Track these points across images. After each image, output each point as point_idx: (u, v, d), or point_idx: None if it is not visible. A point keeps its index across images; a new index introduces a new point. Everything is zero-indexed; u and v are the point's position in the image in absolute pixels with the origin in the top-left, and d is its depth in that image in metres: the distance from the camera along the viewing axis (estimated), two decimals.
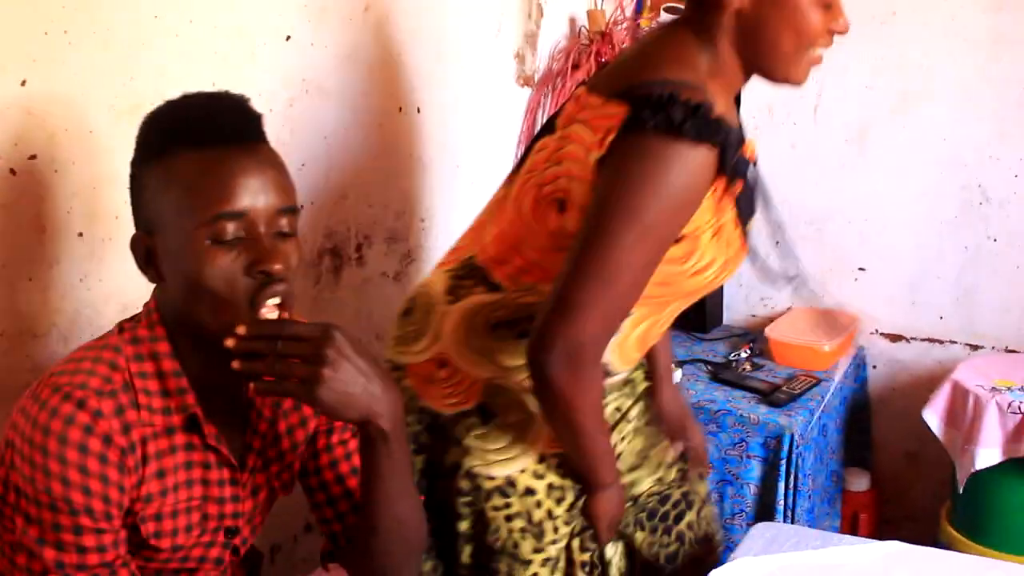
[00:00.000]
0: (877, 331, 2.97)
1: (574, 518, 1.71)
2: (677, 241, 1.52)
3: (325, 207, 2.21)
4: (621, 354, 1.65)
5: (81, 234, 1.66)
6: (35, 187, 1.60)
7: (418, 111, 2.44)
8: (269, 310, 1.26)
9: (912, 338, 2.94)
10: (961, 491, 2.56)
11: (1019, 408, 2.46)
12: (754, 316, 3.02)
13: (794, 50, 1.53)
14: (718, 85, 1.53)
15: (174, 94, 1.34)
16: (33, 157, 1.58)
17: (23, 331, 1.62)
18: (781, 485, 2.52)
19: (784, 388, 2.62)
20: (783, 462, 2.51)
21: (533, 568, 1.69)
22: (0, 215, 1.56)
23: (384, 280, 2.44)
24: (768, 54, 1.54)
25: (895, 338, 2.96)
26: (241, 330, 1.23)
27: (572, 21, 2.96)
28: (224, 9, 1.87)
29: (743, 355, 2.79)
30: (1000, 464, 2.49)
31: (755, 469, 2.56)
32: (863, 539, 1.79)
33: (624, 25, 2.92)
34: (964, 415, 2.55)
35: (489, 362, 1.64)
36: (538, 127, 2.82)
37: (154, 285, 1.34)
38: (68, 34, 1.60)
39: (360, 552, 1.44)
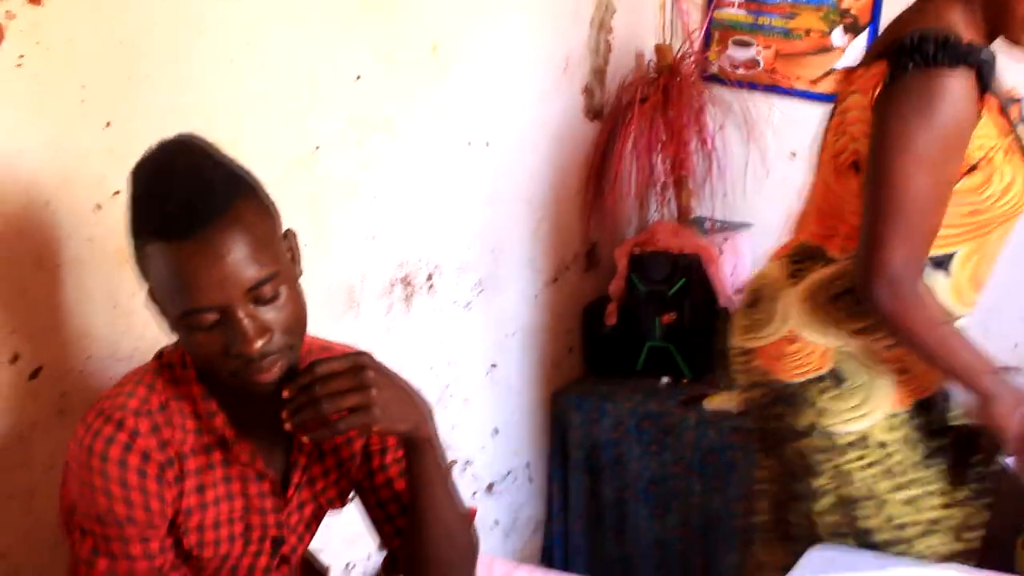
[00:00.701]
0: None
1: (931, 470, 1.85)
2: (972, 171, 1.69)
3: (397, 238, 2.30)
4: (957, 296, 1.82)
5: None
6: (119, 222, 1.71)
7: (487, 145, 2.53)
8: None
9: None
10: None
11: None
12: None
13: None
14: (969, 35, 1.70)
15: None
16: (116, 193, 1.69)
17: (108, 355, 1.74)
18: None
19: None
20: None
21: (891, 507, 1.84)
22: (87, 248, 1.68)
23: (455, 308, 2.52)
24: (1005, 16, 1.71)
25: None
26: (286, 394, 1.30)
27: (640, 56, 3.03)
28: (296, 53, 1.98)
29: None
30: None
31: None
32: (921, 562, 1.80)
33: (692, 59, 2.98)
34: None
35: (837, 331, 1.82)
36: (606, 160, 2.90)
37: None
38: (149, 79, 1.72)
39: (416, 562, 1.52)
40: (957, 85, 1.62)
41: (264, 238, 1.30)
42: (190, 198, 1.26)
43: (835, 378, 1.84)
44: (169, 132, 1.73)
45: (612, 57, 2.93)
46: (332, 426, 1.30)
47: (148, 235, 1.28)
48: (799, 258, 1.89)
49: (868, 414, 1.83)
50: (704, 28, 3.04)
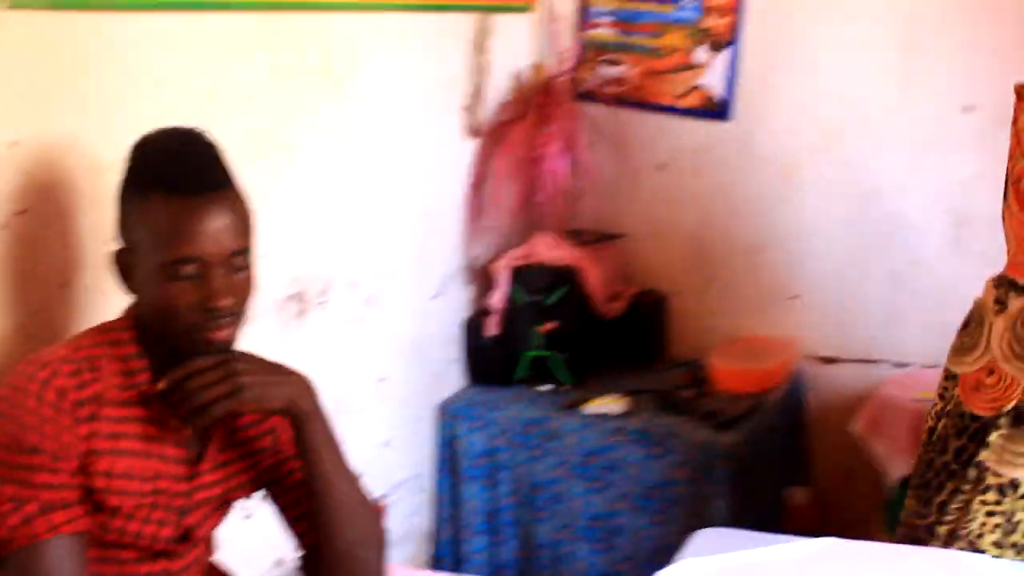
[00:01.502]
0: (812, 355, 3.14)
1: None
2: None
3: (289, 254, 2.34)
4: None
5: (67, 284, 1.79)
6: (25, 240, 1.73)
7: (373, 163, 2.60)
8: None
9: (845, 359, 3.12)
10: (890, 499, 2.72)
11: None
12: (698, 346, 3.18)
13: None
14: None
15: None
16: (23, 212, 1.71)
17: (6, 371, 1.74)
18: (725, 502, 2.67)
19: (726, 410, 2.77)
20: (726, 480, 2.67)
21: None
22: None
23: (345, 323, 2.57)
24: None
25: (829, 360, 3.14)
26: (161, 385, 1.45)
27: (516, 76, 3.14)
28: (195, 74, 2.02)
29: (687, 383, 2.94)
30: None
31: (701, 488, 2.71)
32: (801, 538, 1.92)
33: (565, 78, 3.11)
34: (889, 427, 2.71)
35: None
36: (486, 176, 3.00)
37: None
38: (54, 98, 1.74)
39: (323, 547, 1.59)
40: None
41: (248, 218, 1.53)
42: (206, 164, 1.50)
43: (1016, 417, 1.77)
44: (74, 149, 1.78)
45: (490, 77, 3.03)
46: (208, 412, 1.44)
47: (156, 189, 1.45)
48: (999, 284, 1.84)
49: None
50: (576, 48, 3.17)
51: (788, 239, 3.10)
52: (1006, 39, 2.77)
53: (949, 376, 1.88)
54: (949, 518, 1.81)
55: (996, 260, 2.92)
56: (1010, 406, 1.77)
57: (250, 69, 2.17)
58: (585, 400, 2.88)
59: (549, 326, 2.93)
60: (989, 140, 2.83)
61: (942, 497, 1.82)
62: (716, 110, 3.08)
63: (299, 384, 1.53)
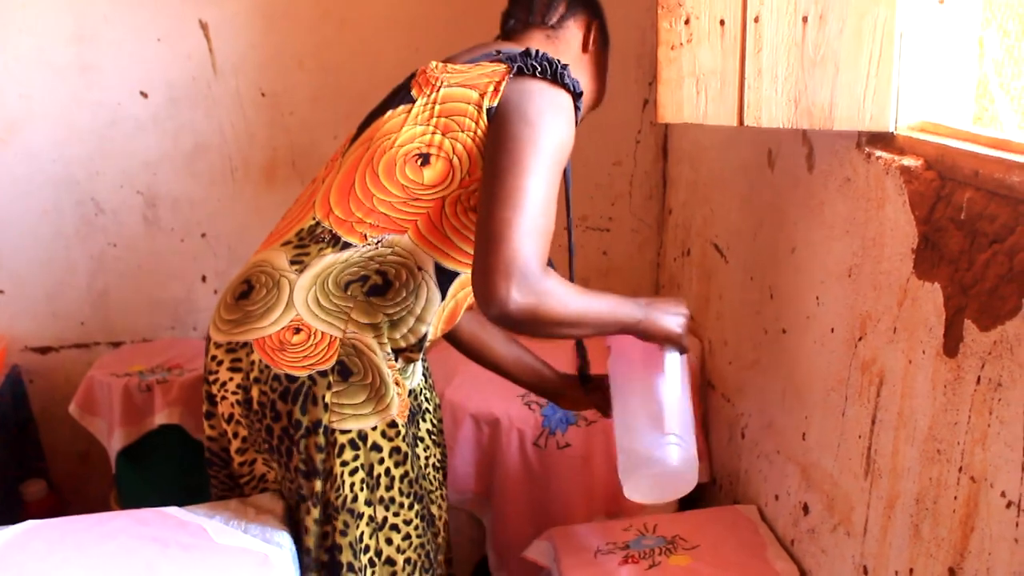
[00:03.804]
0: (27, 347, 3.12)
1: (412, 490, 1.86)
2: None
3: None
4: (437, 320, 1.85)
5: None
6: None
7: None
8: None
9: (60, 347, 3.14)
10: (117, 473, 2.82)
11: (146, 386, 2.77)
12: None
13: None
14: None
15: None
16: None
17: None
18: None
19: None
20: None
21: (363, 524, 1.80)
22: None
23: None
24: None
25: (45, 350, 3.14)
26: None
27: None
28: None
29: None
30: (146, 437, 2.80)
31: None
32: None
33: None
34: (103, 403, 2.80)
35: (344, 321, 1.76)
36: None
37: None
38: None
39: None
40: (570, 105, 1.77)
41: None
42: None
43: (342, 372, 1.76)
44: None
45: None
46: None
47: None
48: (303, 243, 1.80)
49: (369, 415, 1.78)
50: None
51: None
52: (167, 29, 2.96)
53: (231, 349, 1.83)
54: (322, 488, 1.81)
55: (186, 235, 3.17)
56: (332, 363, 1.77)
57: None
58: None
59: None
60: (165, 123, 3.03)
61: (296, 463, 1.81)
62: None
63: None
